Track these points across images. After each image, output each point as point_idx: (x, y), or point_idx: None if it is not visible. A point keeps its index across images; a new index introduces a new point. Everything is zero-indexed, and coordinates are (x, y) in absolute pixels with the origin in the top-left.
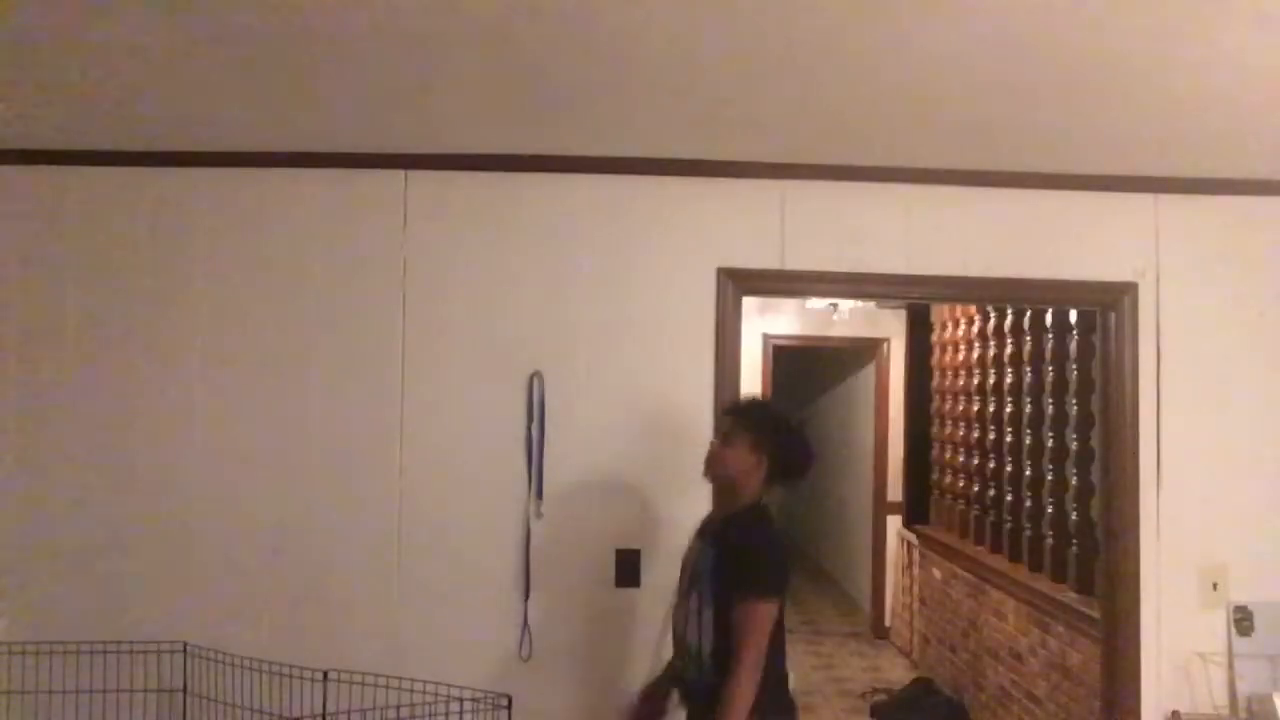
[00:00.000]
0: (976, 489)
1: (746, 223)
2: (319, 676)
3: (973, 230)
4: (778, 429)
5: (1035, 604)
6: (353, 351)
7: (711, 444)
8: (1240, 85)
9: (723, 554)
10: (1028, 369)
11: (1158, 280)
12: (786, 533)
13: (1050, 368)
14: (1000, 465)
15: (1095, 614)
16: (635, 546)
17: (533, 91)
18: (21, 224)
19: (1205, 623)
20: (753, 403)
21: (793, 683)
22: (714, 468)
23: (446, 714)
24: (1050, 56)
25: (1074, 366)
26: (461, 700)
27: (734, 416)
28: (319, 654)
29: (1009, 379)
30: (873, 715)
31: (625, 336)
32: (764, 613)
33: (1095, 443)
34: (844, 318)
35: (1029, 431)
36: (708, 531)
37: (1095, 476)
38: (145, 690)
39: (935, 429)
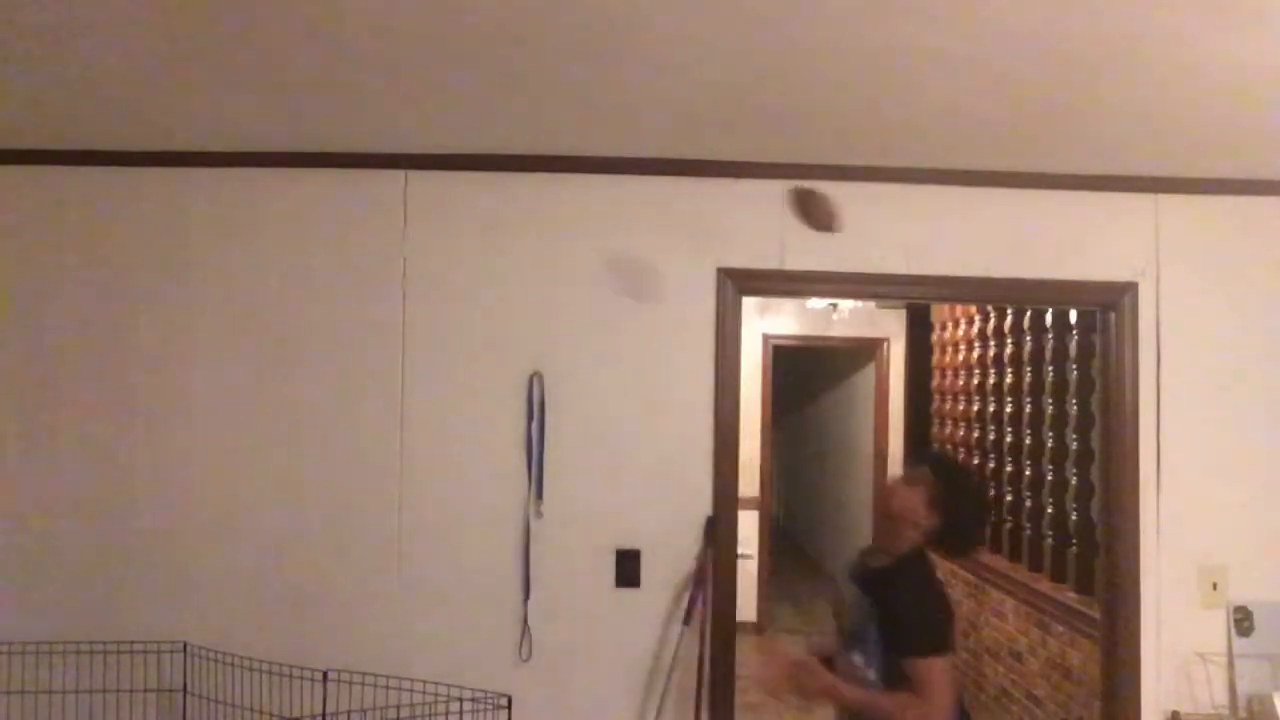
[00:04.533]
0: None
1: (746, 223)
2: (319, 676)
3: (973, 230)
4: (961, 497)
5: (1035, 604)
6: (353, 352)
7: (895, 479)
8: (1240, 85)
9: (885, 613)
10: (1028, 369)
11: (1158, 280)
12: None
13: (1050, 368)
14: (1000, 465)
15: (1095, 614)
16: (635, 547)
17: (533, 91)
18: (21, 224)
19: (1205, 623)
20: (954, 465)
21: None
22: (883, 503)
23: (446, 714)
24: (1050, 56)
25: (1074, 366)
26: (461, 700)
27: (929, 465)
28: (319, 654)
29: (1009, 379)
30: None
31: (625, 336)
32: (939, 668)
33: (1095, 443)
34: (844, 318)
35: (1029, 431)
36: (866, 580)
37: (1095, 476)
38: (145, 690)
39: (935, 429)
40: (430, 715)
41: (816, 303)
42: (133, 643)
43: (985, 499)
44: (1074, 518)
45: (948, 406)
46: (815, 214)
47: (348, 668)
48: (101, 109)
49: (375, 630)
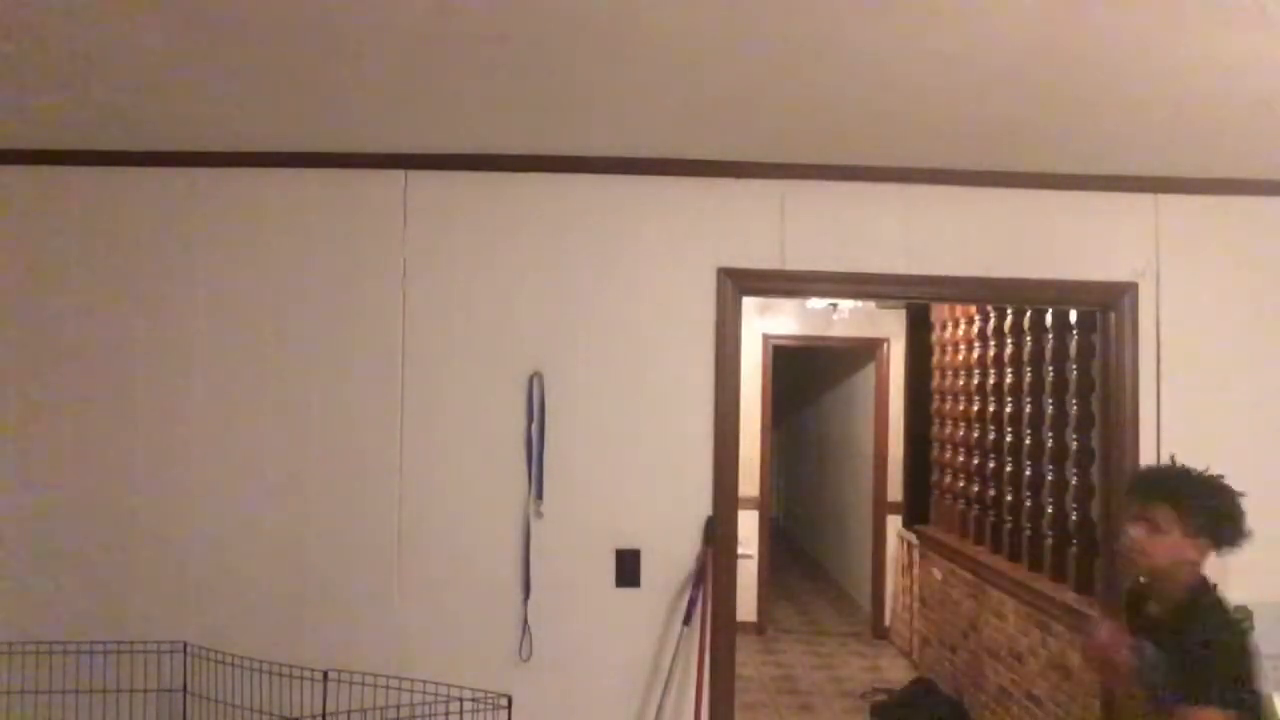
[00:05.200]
0: (976, 489)
1: (746, 223)
2: (319, 676)
3: (973, 230)
4: (1209, 503)
5: (1035, 604)
6: (352, 352)
7: (1132, 531)
8: (1240, 85)
9: (1174, 657)
10: (1028, 369)
11: (1158, 280)
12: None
13: (1050, 368)
14: (1000, 465)
15: (1095, 614)
16: (635, 546)
17: (533, 91)
18: (21, 224)
19: None
20: (1174, 478)
21: None
22: (1142, 563)
23: (446, 714)
24: (1050, 57)
25: (1074, 366)
26: (461, 700)
27: (1159, 500)
28: (319, 654)
29: (1009, 379)
30: (873, 715)
31: (625, 336)
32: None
33: (1095, 443)
34: (844, 318)
35: (1029, 431)
36: (1154, 626)
37: (1095, 476)
38: (145, 690)
39: (935, 429)
40: (430, 715)
41: (816, 303)
42: (133, 643)
43: (1223, 486)
44: (1074, 518)
45: (948, 406)
46: None
47: (348, 668)
48: (101, 109)
49: (375, 630)
